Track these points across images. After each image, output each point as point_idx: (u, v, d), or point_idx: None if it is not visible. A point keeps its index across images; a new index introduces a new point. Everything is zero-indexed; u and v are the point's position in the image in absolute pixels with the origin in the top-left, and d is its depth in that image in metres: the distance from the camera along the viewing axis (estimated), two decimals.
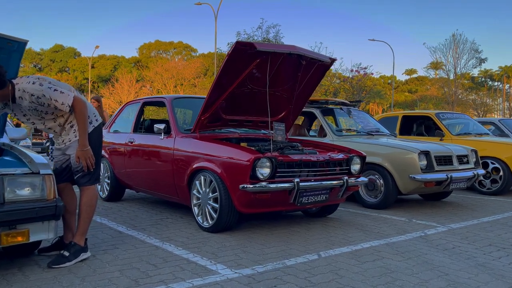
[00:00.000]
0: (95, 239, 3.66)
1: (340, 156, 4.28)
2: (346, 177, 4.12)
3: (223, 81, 4.11)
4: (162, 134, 4.62)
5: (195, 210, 4.13)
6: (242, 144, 4.27)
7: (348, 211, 5.15)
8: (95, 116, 3.27)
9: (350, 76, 25.68)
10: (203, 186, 4.02)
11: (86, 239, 3.16)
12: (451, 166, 5.40)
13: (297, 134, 6.68)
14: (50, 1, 79.80)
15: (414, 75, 67.07)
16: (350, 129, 6.31)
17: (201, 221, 4.03)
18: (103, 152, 5.64)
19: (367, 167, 5.39)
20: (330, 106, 6.55)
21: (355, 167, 4.35)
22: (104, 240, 3.62)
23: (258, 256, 3.22)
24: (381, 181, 5.28)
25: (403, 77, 68.93)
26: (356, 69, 25.27)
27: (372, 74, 26.27)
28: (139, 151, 4.98)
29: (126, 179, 5.32)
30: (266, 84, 4.37)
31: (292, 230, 4.07)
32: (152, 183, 4.85)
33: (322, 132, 6.36)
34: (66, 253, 2.98)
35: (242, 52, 3.91)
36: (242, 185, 3.58)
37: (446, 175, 5.13)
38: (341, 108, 6.52)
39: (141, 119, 5.48)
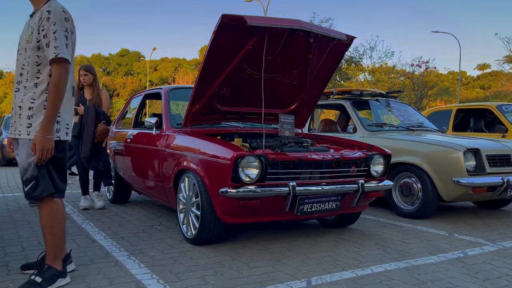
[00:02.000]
0: None
1: (356, 154, 3.48)
2: (361, 180, 3.31)
3: (213, 65, 3.46)
4: (154, 129, 4.06)
5: (181, 217, 3.51)
6: (237, 139, 3.60)
7: (377, 221, 4.30)
8: (67, 127, 2.47)
9: (411, 70, 23.97)
10: (187, 190, 3.40)
11: (65, 259, 2.52)
12: (509, 168, 4.36)
13: (327, 130, 5.87)
14: (120, 5, 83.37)
15: (487, 70, 62.30)
16: (385, 124, 5.41)
17: (186, 231, 3.41)
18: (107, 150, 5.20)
19: (402, 168, 4.51)
20: (365, 98, 5.69)
21: (377, 168, 3.52)
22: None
23: (230, 280, 2.53)
24: (419, 185, 4.37)
25: (474, 72, 64.35)
26: (417, 63, 23.52)
27: (435, 68, 24.36)
28: (135, 149, 4.46)
29: (127, 179, 4.83)
30: (268, 69, 3.68)
31: (294, 245, 3.33)
32: (145, 184, 4.30)
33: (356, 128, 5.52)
34: (39, 279, 2.33)
35: (232, 28, 3.24)
36: (222, 189, 2.92)
37: (502, 179, 4.13)
38: (377, 100, 5.63)
39: (141, 114, 4.96)
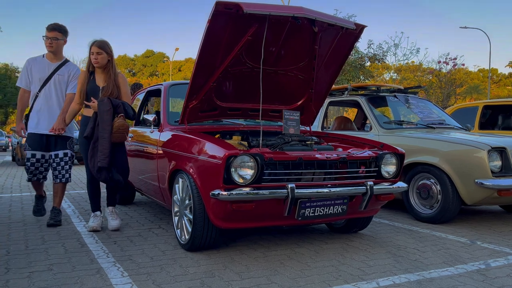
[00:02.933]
0: (44, 254, 2.96)
1: (365, 153, 3.17)
2: (370, 182, 3.01)
3: (209, 57, 3.21)
4: (152, 127, 3.85)
5: (175, 220, 3.28)
6: (235, 137, 3.34)
7: (392, 226, 3.97)
8: None
9: (437, 68, 23.22)
10: (181, 191, 3.17)
11: None
12: None
13: (342, 129, 5.56)
14: (145, 5, 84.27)
15: None
16: (402, 121, 5.05)
17: (179, 235, 3.18)
18: None
19: (420, 168, 4.17)
20: (382, 94, 5.34)
21: (388, 168, 3.20)
22: (51, 256, 2.91)
23: None
24: (438, 187, 4.02)
25: (506, 70, 62.01)
26: (444, 60, 22.77)
27: (464, 65, 23.54)
28: (134, 147, 4.27)
29: (129, 178, 4.63)
30: (271, 62, 3.42)
31: (295, 252, 3.05)
32: (145, 184, 4.10)
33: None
34: None
35: (228, 16, 2.99)
36: (213, 192, 2.66)
37: None
38: (394, 96, 5.28)
39: (143, 111, 4.76)
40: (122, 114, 3.54)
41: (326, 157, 2.96)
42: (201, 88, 3.40)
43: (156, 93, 4.52)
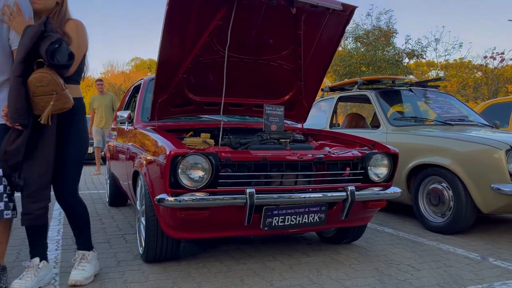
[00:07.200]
0: None
1: (349, 153, 2.72)
2: (351, 187, 2.56)
3: (174, 46, 2.86)
4: (126, 124, 3.56)
5: (137, 227, 2.96)
6: (203, 135, 2.97)
7: (395, 236, 3.48)
8: None
9: (483, 63, 21.83)
10: (139, 195, 2.85)
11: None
12: None
13: (353, 126, 5.07)
14: None
15: None
16: (416, 117, 4.51)
17: (139, 244, 2.86)
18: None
19: (430, 171, 3.64)
20: (396, 88, 4.81)
21: (378, 170, 2.74)
22: None
23: None
24: (450, 192, 3.49)
25: None
26: (491, 55, 21.35)
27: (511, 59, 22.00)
28: (113, 147, 4.01)
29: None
30: (249, 50, 3.05)
31: (266, 266, 2.65)
32: (121, 186, 3.83)
33: None
34: None
35: None
36: (158, 197, 2.32)
37: None
38: (410, 90, 4.73)
39: (130, 108, 4.49)
40: (41, 60, 2.01)
41: (298, 157, 2.54)
42: (170, 81, 3.06)
43: (138, 88, 4.24)
